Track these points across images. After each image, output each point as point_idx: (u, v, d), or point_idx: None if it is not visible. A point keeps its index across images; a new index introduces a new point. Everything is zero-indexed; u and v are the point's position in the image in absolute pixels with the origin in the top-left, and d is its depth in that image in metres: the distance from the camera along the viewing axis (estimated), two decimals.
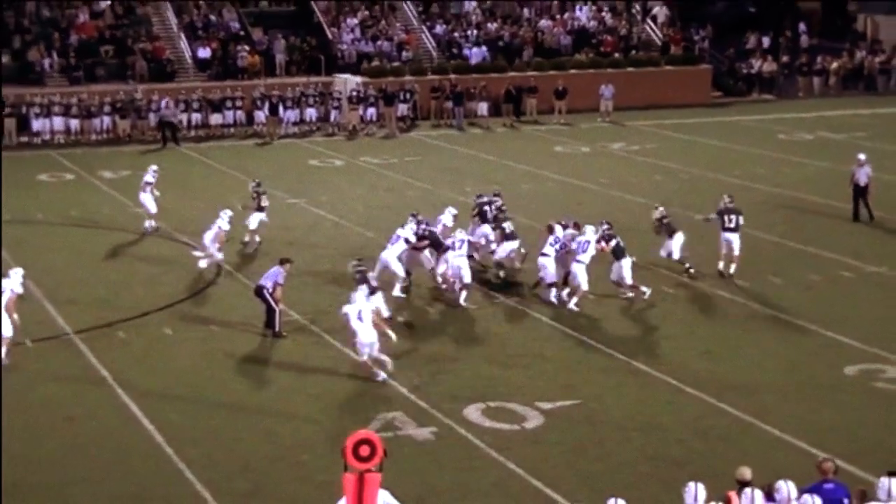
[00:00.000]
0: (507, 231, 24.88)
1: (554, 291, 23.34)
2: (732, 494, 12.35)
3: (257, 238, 27.40)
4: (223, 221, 25.44)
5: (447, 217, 25.63)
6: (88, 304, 23.67)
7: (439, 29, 51.42)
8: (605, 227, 23.67)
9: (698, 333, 21.89)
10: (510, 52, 50.27)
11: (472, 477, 16.04)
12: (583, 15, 53.65)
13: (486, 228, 25.53)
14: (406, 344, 21.13)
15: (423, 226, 24.36)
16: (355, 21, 50.72)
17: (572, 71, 49.39)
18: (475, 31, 51.34)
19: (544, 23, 52.61)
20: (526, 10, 53.81)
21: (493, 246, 25.11)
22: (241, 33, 49.34)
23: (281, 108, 44.17)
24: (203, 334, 21.84)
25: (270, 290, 21.48)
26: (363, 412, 17.98)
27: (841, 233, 29.15)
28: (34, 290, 23.98)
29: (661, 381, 19.41)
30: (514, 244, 24.76)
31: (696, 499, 12.25)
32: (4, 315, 19.98)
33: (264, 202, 27.76)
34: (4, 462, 16.27)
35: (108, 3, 49.16)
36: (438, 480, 15.90)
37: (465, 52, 49.91)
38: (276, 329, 21.52)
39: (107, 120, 42.76)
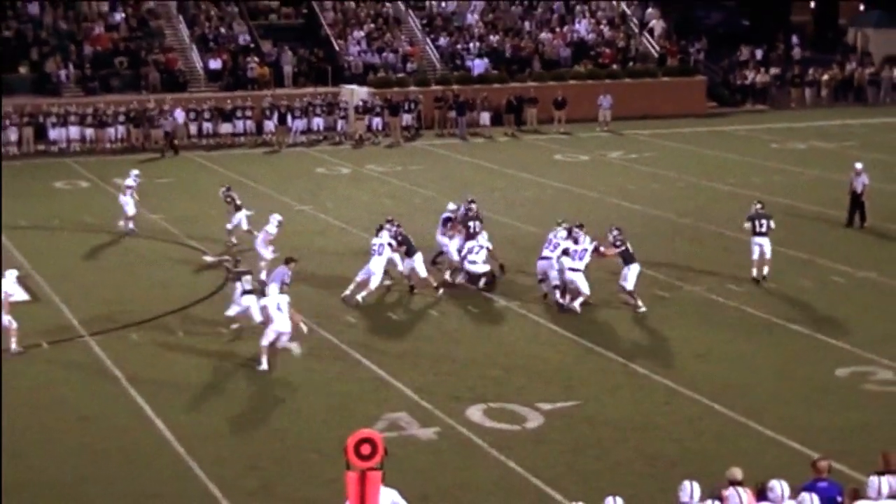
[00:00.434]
0: (472, 230, 25.30)
1: (557, 293, 23.55)
2: (725, 493, 12.41)
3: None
4: (271, 226, 25.68)
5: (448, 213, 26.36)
6: (102, 307, 23.94)
7: (443, 41, 51.66)
8: (616, 232, 23.69)
9: (694, 337, 22.04)
10: (519, 64, 50.53)
11: (474, 476, 16.22)
12: (582, 28, 53.80)
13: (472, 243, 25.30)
14: (408, 345, 21.50)
15: (396, 228, 24.70)
16: (361, 34, 50.97)
17: (572, 82, 49.69)
18: (477, 44, 51.52)
19: (545, 35, 52.86)
20: (527, 24, 54.11)
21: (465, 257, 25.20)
22: (251, 45, 49.63)
23: (289, 118, 44.54)
24: (213, 336, 22.04)
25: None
26: (369, 412, 18.09)
27: (833, 239, 29.33)
28: (50, 293, 24.51)
29: (658, 383, 19.60)
30: (472, 244, 24.90)
31: (691, 497, 12.32)
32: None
33: (238, 201, 28.26)
34: (19, 462, 16.47)
35: (123, 16, 49.54)
36: (442, 479, 16.08)
37: (468, 63, 50.22)
38: None
39: (121, 129, 43.20)
